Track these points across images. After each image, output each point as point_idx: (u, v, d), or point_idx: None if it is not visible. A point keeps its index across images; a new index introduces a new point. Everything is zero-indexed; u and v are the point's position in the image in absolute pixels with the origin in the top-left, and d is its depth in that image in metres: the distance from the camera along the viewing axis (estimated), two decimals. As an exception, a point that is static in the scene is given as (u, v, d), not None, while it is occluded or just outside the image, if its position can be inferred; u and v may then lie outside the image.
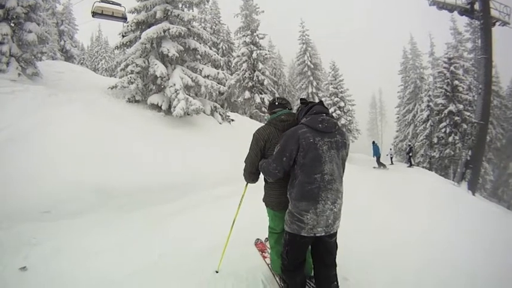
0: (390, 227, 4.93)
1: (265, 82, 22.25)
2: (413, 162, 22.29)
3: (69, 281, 3.10)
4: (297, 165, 2.51)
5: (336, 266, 2.77)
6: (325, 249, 2.69)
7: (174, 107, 9.22)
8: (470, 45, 28.10)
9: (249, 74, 22.36)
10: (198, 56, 11.22)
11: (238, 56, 23.53)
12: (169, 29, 9.80)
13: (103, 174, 5.56)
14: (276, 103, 2.96)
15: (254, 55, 22.02)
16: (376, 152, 19.99)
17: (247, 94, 22.14)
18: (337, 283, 2.76)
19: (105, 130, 7.07)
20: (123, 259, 3.52)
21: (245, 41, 22.51)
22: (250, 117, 20.49)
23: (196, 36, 11.05)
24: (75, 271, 3.26)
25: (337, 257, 2.81)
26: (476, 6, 13.59)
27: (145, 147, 7.18)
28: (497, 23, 13.49)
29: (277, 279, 3.10)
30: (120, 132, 7.32)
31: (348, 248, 3.48)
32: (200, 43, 10.98)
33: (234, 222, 3.36)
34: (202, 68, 10.89)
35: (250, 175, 2.98)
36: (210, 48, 11.56)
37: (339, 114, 26.03)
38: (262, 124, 3.25)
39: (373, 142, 21.22)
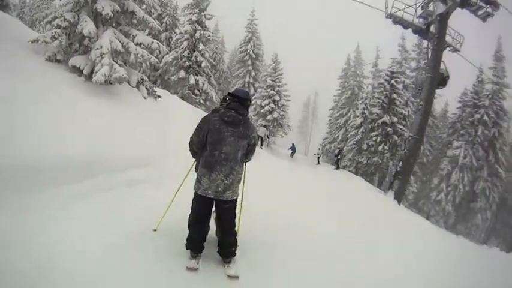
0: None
1: (203, 64, 21.45)
2: (340, 165, 23.69)
3: None
4: (207, 143, 3.40)
5: (235, 234, 3.63)
6: (219, 212, 3.62)
7: (96, 72, 8.22)
8: (414, 65, 30.31)
9: (188, 54, 21.39)
10: (135, 21, 10.24)
11: (180, 33, 22.46)
12: (107, -16, 8.78)
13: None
14: (227, 99, 3.72)
15: (197, 35, 21.06)
16: (293, 150, 27.13)
17: (182, 73, 21.22)
18: (235, 249, 3.63)
19: (8, 88, 5.81)
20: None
21: (191, 19, 21.33)
22: (182, 98, 19.63)
23: (137, -2, 10.00)
24: None
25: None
26: (432, 28, 14.66)
27: (54, 115, 6.09)
28: (448, 48, 14.65)
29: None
30: (27, 94, 6.10)
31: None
32: (141, 8, 10.03)
33: (176, 193, 4.27)
34: (136, 35, 9.92)
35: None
36: (150, 15, 10.69)
37: (272, 108, 26.41)
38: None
39: (293, 144, 27.79)
